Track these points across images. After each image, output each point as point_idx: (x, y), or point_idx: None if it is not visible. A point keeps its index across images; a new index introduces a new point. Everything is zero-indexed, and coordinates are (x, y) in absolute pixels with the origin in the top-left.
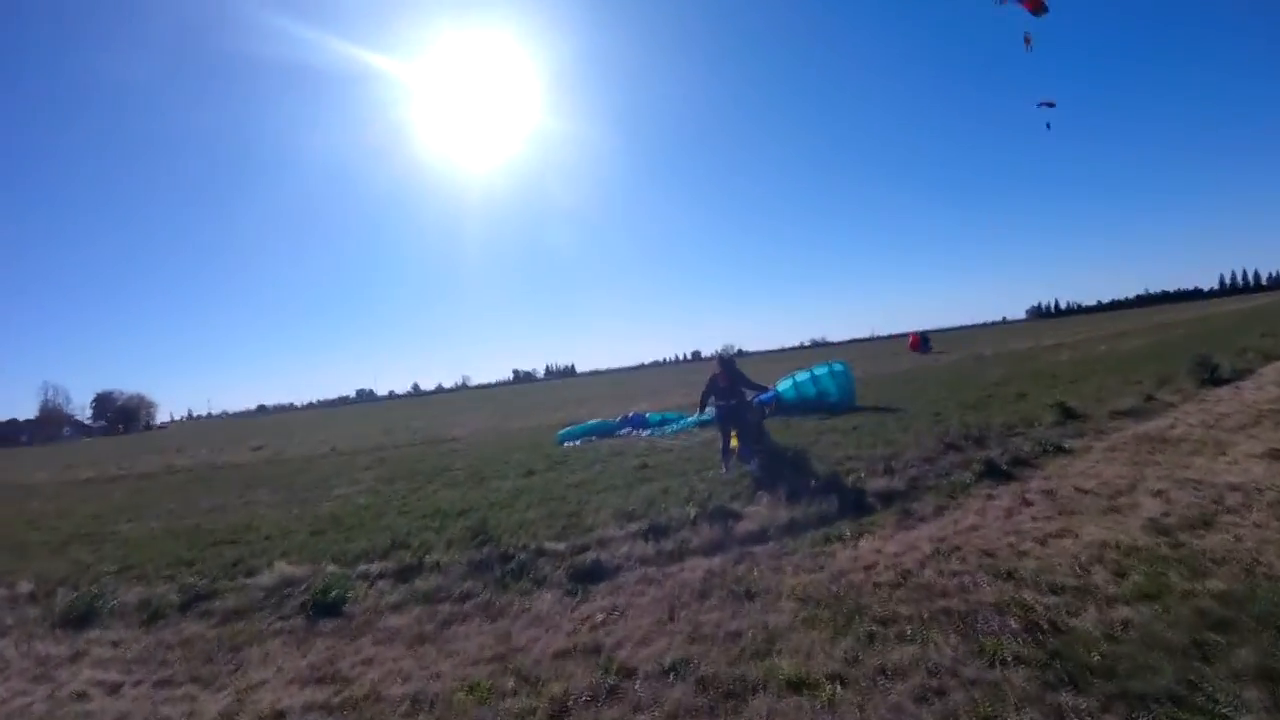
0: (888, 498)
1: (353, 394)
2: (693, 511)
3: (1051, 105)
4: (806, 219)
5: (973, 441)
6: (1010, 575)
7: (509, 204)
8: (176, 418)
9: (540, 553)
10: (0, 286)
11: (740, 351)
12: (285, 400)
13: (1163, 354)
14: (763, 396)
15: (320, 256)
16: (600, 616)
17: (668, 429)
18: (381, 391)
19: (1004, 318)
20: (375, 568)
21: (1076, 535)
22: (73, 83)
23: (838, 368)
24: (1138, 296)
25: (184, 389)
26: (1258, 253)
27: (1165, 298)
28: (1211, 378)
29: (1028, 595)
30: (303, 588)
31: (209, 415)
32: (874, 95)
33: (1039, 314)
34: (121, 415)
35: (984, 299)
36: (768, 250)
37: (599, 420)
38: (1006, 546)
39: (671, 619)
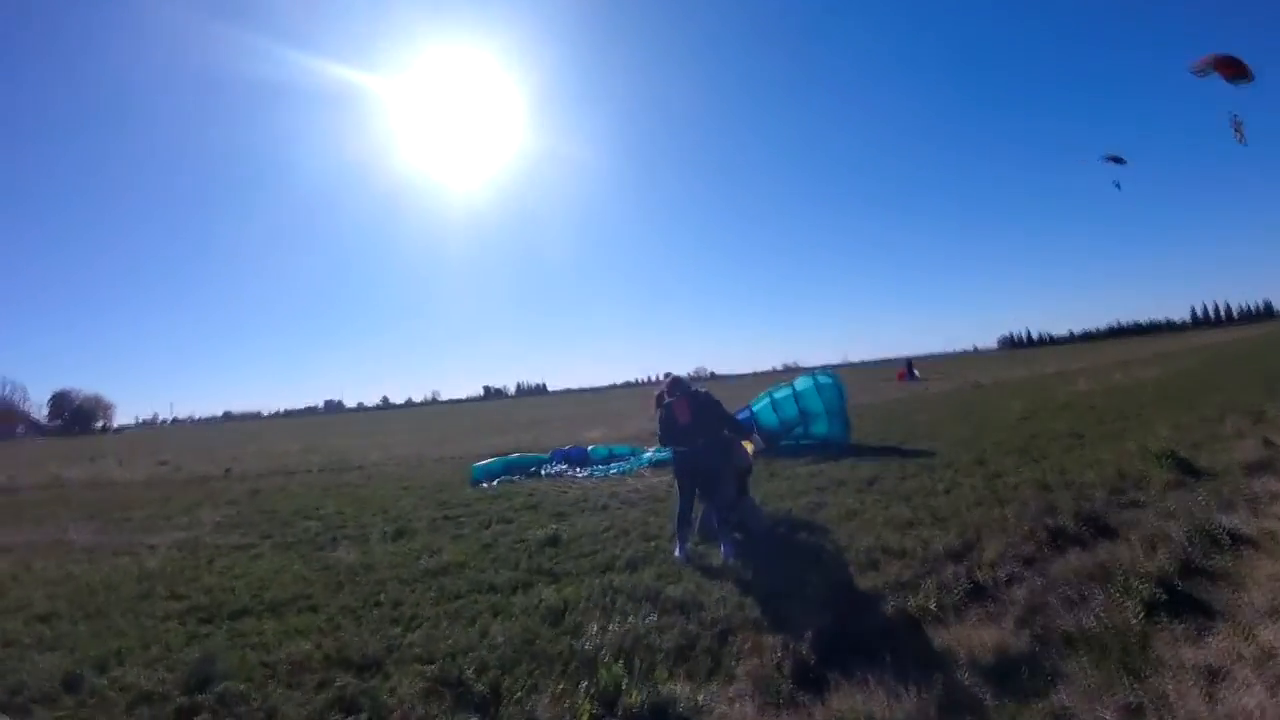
0: (1001, 673)
1: (321, 404)
2: (588, 707)
3: (1121, 162)
4: (782, 243)
5: (1087, 523)
6: None
7: (489, 220)
8: (141, 420)
9: None
10: None
11: (711, 374)
12: (253, 408)
13: (1204, 384)
14: (743, 418)
15: (301, 266)
16: None
17: (613, 469)
18: (350, 403)
19: (975, 347)
20: None
21: None
22: (51, 90)
23: (824, 380)
24: (1109, 328)
25: (154, 391)
26: (1223, 285)
27: (1138, 329)
28: None
29: None
30: None
31: (170, 420)
32: (846, 122)
33: (1012, 344)
34: (78, 416)
35: (953, 328)
36: (744, 272)
37: (521, 455)
38: None
39: None
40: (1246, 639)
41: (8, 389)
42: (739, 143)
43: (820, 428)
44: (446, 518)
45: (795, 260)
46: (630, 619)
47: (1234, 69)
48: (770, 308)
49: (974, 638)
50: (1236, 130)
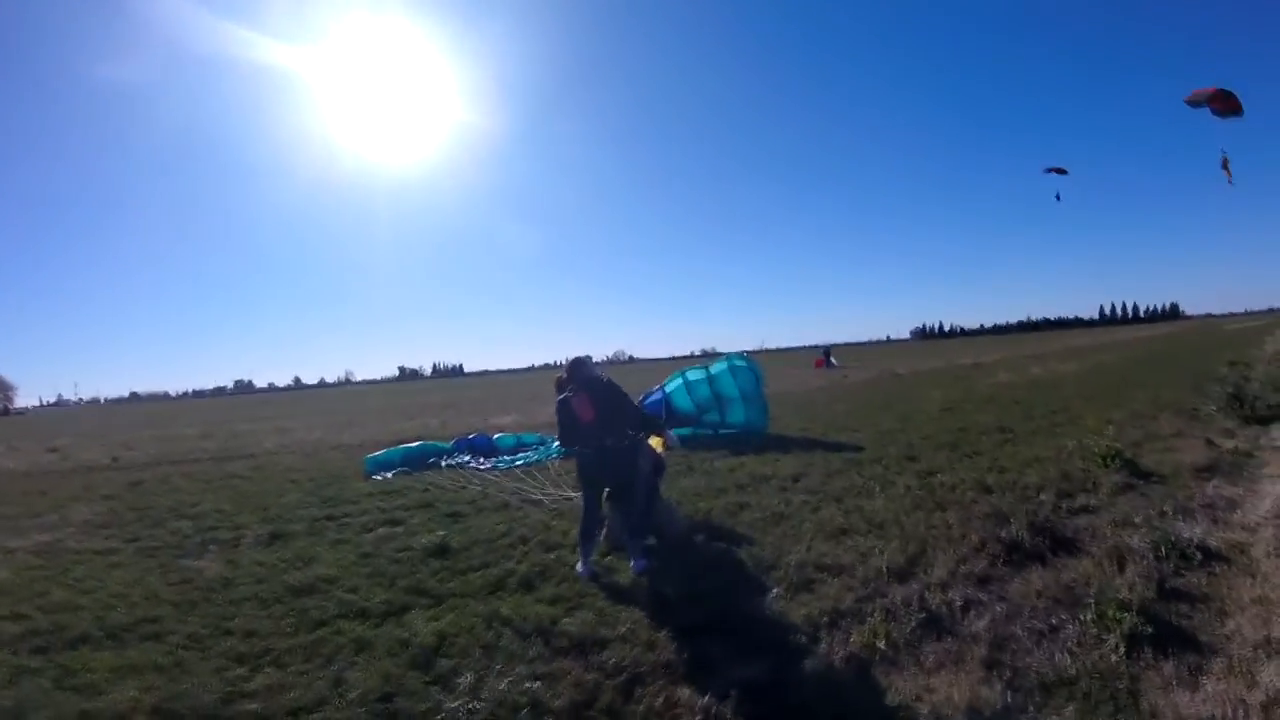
0: None
1: (231, 384)
2: None
3: (1062, 172)
4: (703, 227)
5: (1041, 534)
6: None
7: (412, 199)
8: (47, 402)
9: None
10: None
11: (630, 358)
12: (162, 388)
13: (1126, 380)
14: (652, 403)
15: (216, 243)
16: None
17: (519, 460)
18: (261, 384)
19: (888, 336)
20: None
21: None
22: None
23: (738, 362)
24: (1020, 322)
25: (60, 372)
26: (1131, 285)
27: (1048, 324)
28: (1253, 413)
29: None
30: None
31: (76, 401)
32: (769, 107)
33: (924, 334)
34: None
35: (867, 317)
36: (665, 256)
37: (422, 443)
38: None
39: None
40: (1248, 683)
41: None
42: (660, 123)
43: (737, 413)
44: (330, 518)
45: (715, 245)
46: (516, 665)
47: (1227, 104)
48: (689, 292)
49: (938, 687)
50: (1225, 169)
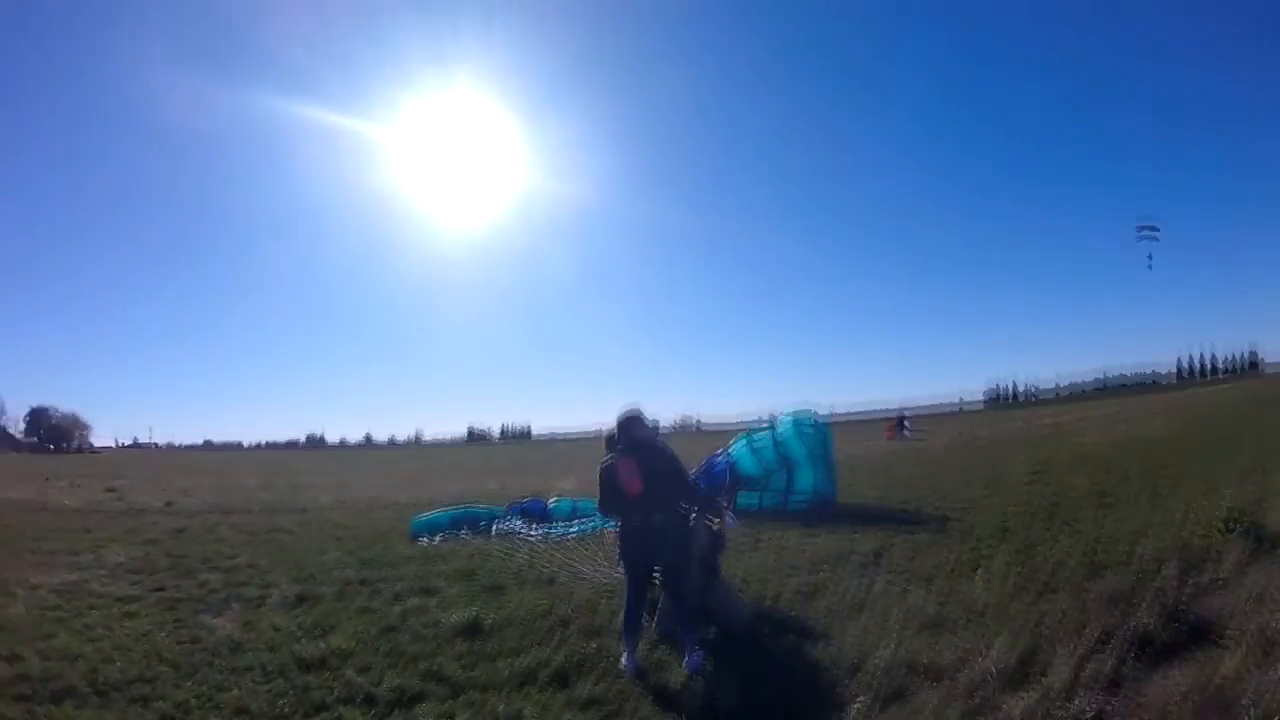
0: None
1: (303, 438)
2: None
3: (1154, 233)
4: (772, 290)
5: (1174, 619)
6: None
7: (483, 260)
8: (122, 443)
9: None
10: None
11: (699, 424)
12: (235, 437)
13: (1222, 438)
14: (718, 468)
15: (296, 300)
16: None
17: (573, 529)
18: (333, 439)
19: (960, 400)
20: None
21: None
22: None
23: (805, 422)
24: (1095, 382)
25: (137, 415)
26: (1207, 333)
27: (1124, 385)
28: None
29: None
30: None
31: (151, 445)
32: (839, 172)
33: (998, 398)
34: (54, 433)
35: (938, 382)
36: (734, 319)
37: (471, 506)
38: None
39: None
40: None
41: None
42: (734, 191)
43: (805, 477)
44: (364, 581)
45: (783, 309)
46: None
47: None
48: (757, 354)
49: None
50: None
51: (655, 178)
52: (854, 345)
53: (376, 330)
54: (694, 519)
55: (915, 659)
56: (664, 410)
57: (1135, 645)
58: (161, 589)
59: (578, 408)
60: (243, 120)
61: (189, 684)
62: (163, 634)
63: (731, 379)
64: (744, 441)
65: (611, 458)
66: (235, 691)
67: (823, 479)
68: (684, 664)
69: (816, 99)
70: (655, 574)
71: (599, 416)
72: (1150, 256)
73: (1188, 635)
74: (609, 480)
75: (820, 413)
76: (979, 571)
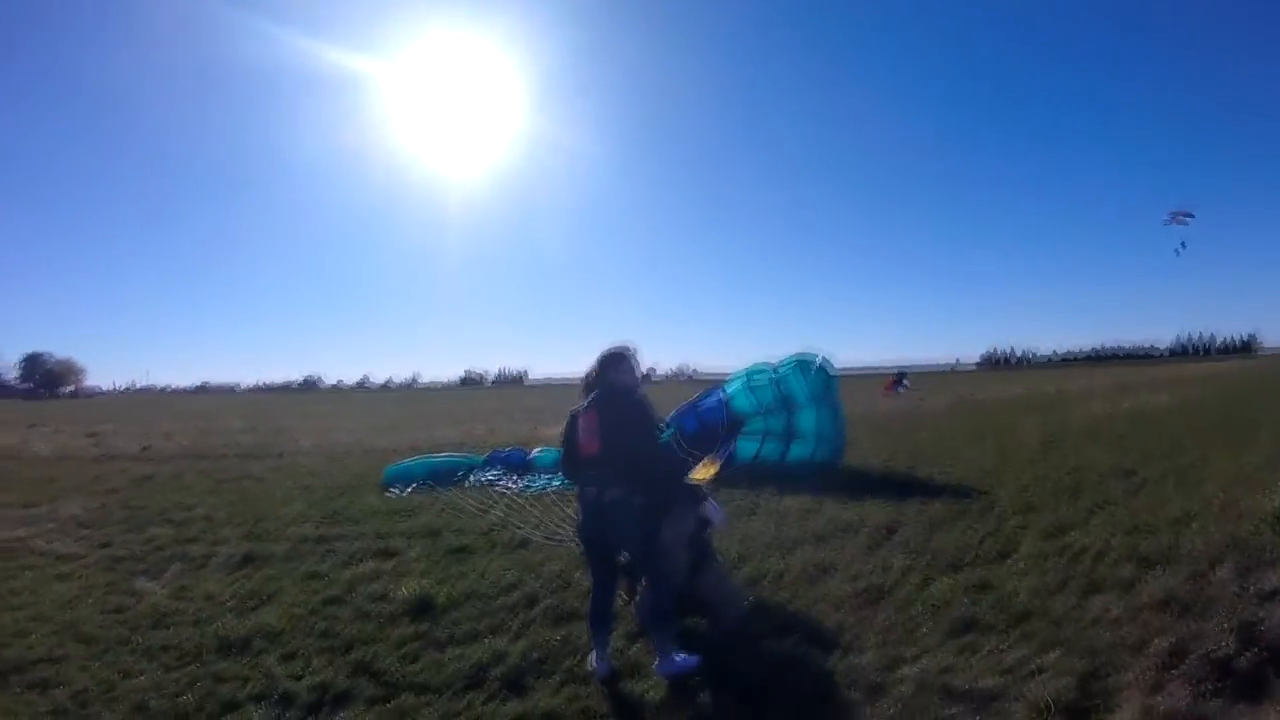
0: None
1: (299, 380)
2: None
3: (1188, 219)
4: (771, 242)
5: (1252, 642)
6: None
7: (483, 205)
8: (119, 387)
9: None
10: None
11: (694, 372)
12: (229, 380)
13: (1235, 416)
14: (711, 405)
15: (295, 243)
16: None
17: (554, 482)
18: (329, 380)
19: (955, 361)
20: None
21: None
22: (42, 68)
23: (809, 359)
24: (1092, 351)
25: (135, 359)
26: (1209, 318)
27: (1119, 355)
28: None
29: None
30: None
31: (146, 388)
32: (841, 123)
33: (994, 361)
34: (47, 379)
35: (934, 342)
36: (732, 269)
37: (449, 456)
38: None
39: None
40: None
41: None
42: (736, 138)
43: (807, 419)
44: (320, 540)
45: (784, 260)
46: None
47: None
48: (756, 307)
49: None
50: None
51: (657, 127)
52: (850, 303)
53: (374, 274)
54: (667, 498)
55: (950, 681)
56: (662, 358)
57: (1213, 673)
58: (107, 544)
59: (575, 354)
60: (239, 55)
61: (97, 665)
62: (89, 601)
63: (729, 331)
64: (742, 379)
65: (577, 409)
66: (142, 678)
67: (827, 422)
68: (654, 668)
69: (822, 48)
70: (623, 557)
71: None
72: (1183, 244)
73: (1273, 661)
74: (569, 435)
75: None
76: (1010, 559)
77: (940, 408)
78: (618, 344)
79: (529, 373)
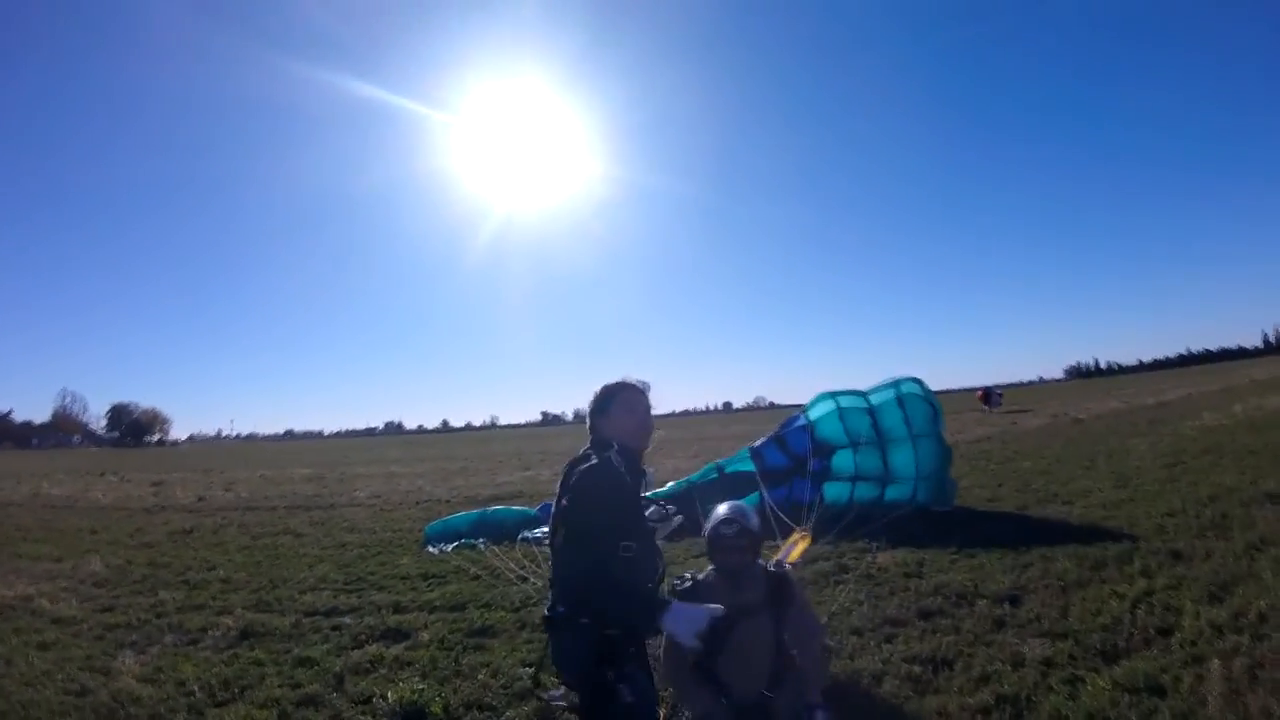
0: None
1: (381, 425)
2: None
3: None
4: (846, 267)
5: None
6: None
7: (554, 246)
8: (206, 434)
9: None
10: (31, 292)
11: (771, 404)
12: (315, 427)
13: None
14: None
15: (366, 291)
16: None
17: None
18: (411, 425)
19: (1040, 377)
20: None
21: None
22: (123, 123)
23: (909, 388)
24: (1180, 355)
25: (221, 408)
26: None
27: (1209, 356)
28: None
29: None
30: None
31: (233, 436)
32: (908, 149)
33: (1080, 373)
34: (133, 428)
35: (1016, 359)
36: (806, 298)
37: (499, 508)
38: None
39: None
40: None
41: (68, 400)
42: (803, 166)
43: (904, 458)
44: (331, 611)
45: (859, 286)
46: None
47: None
48: (834, 334)
49: None
50: None
51: (726, 163)
52: (927, 327)
53: (453, 318)
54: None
55: None
56: (738, 393)
57: None
58: (110, 608)
59: (652, 392)
60: (320, 106)
61: None
62: (58, 678)
63: (805, 357)
64: (829, 403)
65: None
66: None
67: (929, 459)
68: None
69: (887, 71)
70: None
71: (673, 400)
72: None
73: None
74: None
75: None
76: (1174, 637)
77: (1036, 428)
78: (622, 379)
79: None
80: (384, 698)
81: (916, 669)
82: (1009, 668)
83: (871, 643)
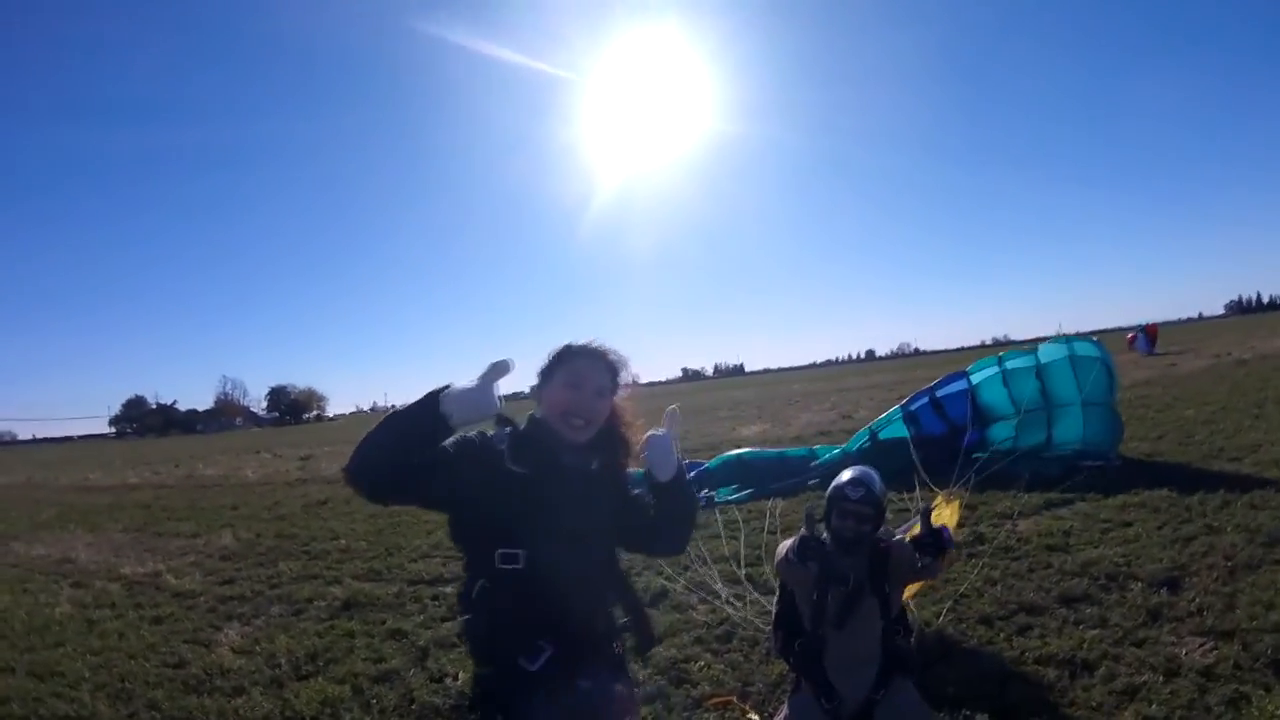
0: None
1: (526, 390)
2: None
3: None
4: (985, 212)
5: None
6: None
7: (683, 203)
8: (363, 409)
9: None
10: (195, 285)
11: (916, 350)
12: None
13: None
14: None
15: (499, 257)
16: None
17: (732, 497)
18: None
19: (1200, 314)
20: None
21: None
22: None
23: (1084, 349)
24: None
25: (374, 382)
26: None
27: None
28: None
29: None
30: None
31: (388, 408)
32: (1061, 94)
33: (1241, 308)
34: (292, 408)
35: (1174, 295)
36: (943, 246)
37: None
38: None
39: None
40: None
41: (228, 386)
42: (938, 114)
43: (1071, 429)
44: (436, 580)
45: (1000, 228)
46: None
47: None
48: (975, 279)
49: None
50: None
51: (857, 115)
52: (1082, 260)
53: (588, 278)
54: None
55: None
56: (880, 340)
57: None
58: (230, 581)
59: (790, 343)
60: (457, 81)
61: None
62: (162, 651)
63: (949, 303)
64: (993, 367)
65: None
66: None
67: (1099, 431)
68: None
69: (1027, 23)
70: None
71: (814, 350)
72: None
73: None
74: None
75: (1049, 333)
76: None
77: (1197, 371)
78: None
79: (745, 364)
80: (455, 678)
81: (1051, 674)
82: (1160, 678)
83: (1001, 635)
